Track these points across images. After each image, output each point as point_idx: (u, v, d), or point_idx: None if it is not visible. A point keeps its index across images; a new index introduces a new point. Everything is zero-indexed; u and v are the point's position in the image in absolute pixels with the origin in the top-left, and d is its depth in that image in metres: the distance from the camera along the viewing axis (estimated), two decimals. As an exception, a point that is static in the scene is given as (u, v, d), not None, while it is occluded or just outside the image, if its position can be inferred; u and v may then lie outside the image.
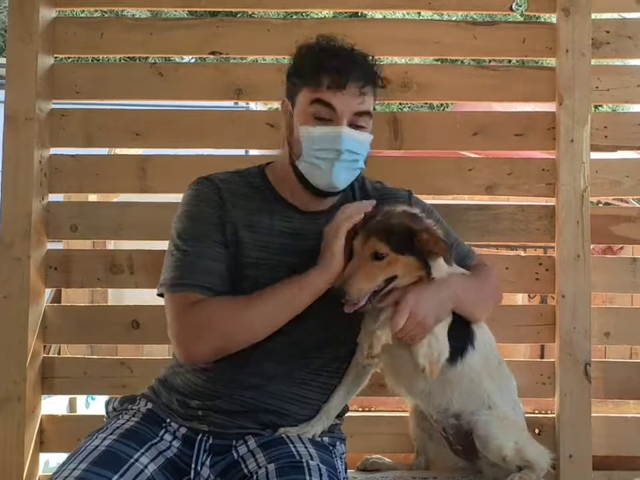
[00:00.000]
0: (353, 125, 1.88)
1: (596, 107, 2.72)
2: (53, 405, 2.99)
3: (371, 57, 1.96)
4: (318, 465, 1.77)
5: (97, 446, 1.75)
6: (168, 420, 1.90)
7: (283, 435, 1.89)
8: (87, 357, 2.73)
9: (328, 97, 1.86)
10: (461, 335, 1.99)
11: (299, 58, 1.95)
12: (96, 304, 3.56)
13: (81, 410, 3.47)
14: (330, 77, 1.85)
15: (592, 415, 2.48)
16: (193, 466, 1.84)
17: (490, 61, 2.81)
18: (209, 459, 1.86)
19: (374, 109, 1.97)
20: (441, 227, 2.02)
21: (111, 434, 1.80)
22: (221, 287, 1.89)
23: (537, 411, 2.71)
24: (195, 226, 1.92)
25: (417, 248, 1.84)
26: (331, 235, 1.87)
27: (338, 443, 2.03)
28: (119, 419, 1.90)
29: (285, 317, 1.87)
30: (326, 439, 1.98)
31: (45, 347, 2.61)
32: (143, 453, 1.79)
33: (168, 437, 1.88)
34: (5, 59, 2.59)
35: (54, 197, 2.60)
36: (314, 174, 1.91)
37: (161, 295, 1.94)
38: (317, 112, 1.87)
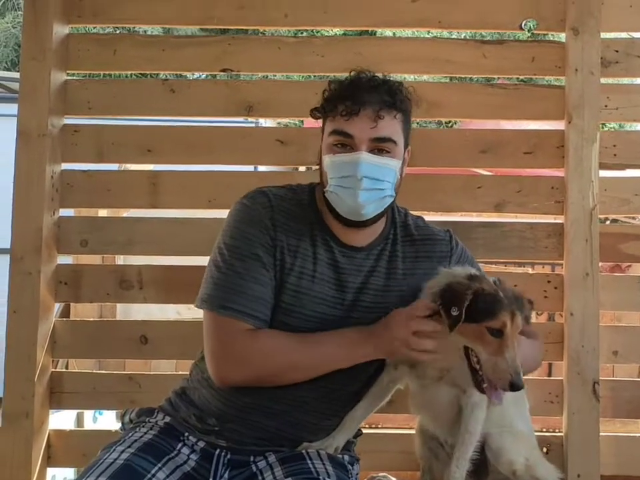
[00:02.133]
0: (375, 151, 1.86)
1: (604, 125, 2.72)
2: (61, 419, 2.98)
3: (394, 81, 1.93)
4: None
5: (115, 459, 1.75)
6: (186, 434, 1.90)
7: (303, 451, 1.89)
8: (95, 371, 2.74)
9: (342, 124, 1.85)
10: None
11: (326, 92, 1.94)
12: (104, 319, 3.56)
13: (89, 424, 3.46)
14: (344, 105, 1.85)
15: (600, 434, 2.47)
16: None
17: (499, 79, 2.82)
18: (227, 472, 1.86)
19: (407, 131, 1.94)
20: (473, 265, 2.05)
21: (129, 447, 1.80)
22: (268, 316, 1.88)
23: (544, 430, 2.69)
24: (246, 244, 1.88)
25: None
26: (400, 323, 1.82)
27: (355, 463, 2.03)
28: (136, 431, 1.90)
29: (327, 370, 1.88)
30: (346, 457, 1.98)
31: (53, 361, 2.61)
32: (160, 468, 1.79)
33: (186, 450, 1.88)
34: (17, 73, 2.60)
35: (64, 212, 2.61)
36: (339, 203, 1.89)
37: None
38: (336, 141, 1.87)
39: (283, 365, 1.86)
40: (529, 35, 2.68)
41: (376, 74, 1.93)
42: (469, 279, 1.83)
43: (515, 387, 1.73)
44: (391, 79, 1.95)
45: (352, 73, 1.93)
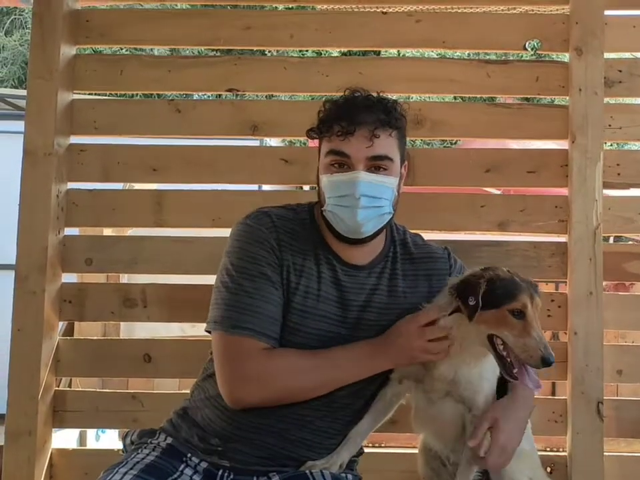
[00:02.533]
0: (372, 169, 1.87)
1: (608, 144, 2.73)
2: (63, 437, 2.98)
3: (388, 100, 1.95)
4: None
5: None
6: (189, 455, 1.89)
7: (307, 471, 1.89)
8: (98, 390, 2.73)
9: (338, 144, 1.86)
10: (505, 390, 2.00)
11: (321, 112, 1.95)
12: (108, 337, 3.56)
13: (91, 443, 3.45)
14: (340, 125, 1.86)
15: (604, 453, 2.45)
16: None
17: (504, 99, 2.84)
18: None
19: (403, 147, 1.95)
20: None
21: (131, 468, 1.79)
22: (279, 334, 1.88)
23: (548, 449, 2.69)
24: (253, 264, 1.88)
25: None
26: (413, 332, 1.86)
27: None
28: (138, 452, 1.89)
29: (342, 384, 1.90)
30: (350, 477, 1.97)
31: (56, 379, 2.61)
32: None
33: (189, 471, 1.87)
34: (24, 90, 2.62)
35: (69, 231, 2.62)
36: (338, 222, 1.90)
37: (208, 331, 1.91)
38: (333, 161, 1.88)
39: (301, 384, 1.86)
40: (533, 55, 2.70)
41: (370, 92, 1.95)
42: (483, 270, 1.85)
43: (546, 361, 1.73)
44: (386, 96, 1.96)
45: (346, 92, 1.95)
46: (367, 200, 1.86)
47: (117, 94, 2.87)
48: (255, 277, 1.86)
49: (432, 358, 1.87)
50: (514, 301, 1.78)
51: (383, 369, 1.92)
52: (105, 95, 2.82)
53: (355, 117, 1.85)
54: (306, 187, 3.13)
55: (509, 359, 1.80)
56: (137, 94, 3.15)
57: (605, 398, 2.47)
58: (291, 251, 1.91)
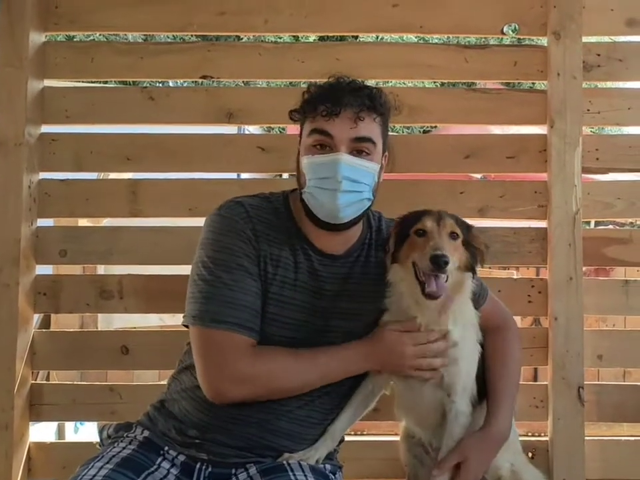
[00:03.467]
0: (354, 152, 1.85)
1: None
2: (42, 430, 2.94)
3: (373, 87, 1.94)
4: None
5: (94, 475, 1.72)
6: (166, 447, 1.88)
7: (284, 462, 1.87)
8: (75, 382, 2.70)
9: (323, 124, 1.85)
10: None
11: (305, 94, 1.93)
12: (85, 329, 3.53)
13: (70, 436, 3.42)
14: (325, 105, 1.84)
15: (585, 438, 2.47)
16: None
17: (484, 84, 2.82)
18: None
19: (385, 136, 1.94)
20: None
21: (108, 462, 1.77)
22: (259, 326, 1.86)
23: (530, 434, 2.70)
24: (230, 256, 1.85)
25: (472, 245, 1.91)
26: (402, 342, 1.89)
27: (337, 472, 2.01)
28: (114, 446, 1.87)
29: (324, 383, 1.90)
30: (328, 467, 1.97)
31: (33, 373, 2.58)
32: None
33: (166, 464, 1.85)
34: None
35: (43, 222, 2.58)
36: (316, 205, 1.88)
37: (186, 325, 1.88)
38: (316, 141, 1.86)
39: (288, 385, 1.86)
40: (512, 39, 2.68)
41: (355, 79, 1.93)
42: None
43: (432, 259, 1.76)
44: (370, 85, 1.96)
45: (331, 78, 1.94)
46: (348, 184, 1.84)
47: (88, 82, 2.81)
48: (233, 269, 1.83)
49: (421, 374, 1.91)
50: (417, 223, 1.88)
51: (364, 370, 1.94)
52: (77, 83, 2.75)
53: (341, 98, 1.84)
54: (285, 175, 3.10)
55: (422, 279, 1.82)
56: (109, 81, 3.11)
57: (585, 383, 2.48)
58: (267, 241, 1.89)
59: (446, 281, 1.83)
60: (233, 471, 1.86)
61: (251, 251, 1.86)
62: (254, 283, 1.85)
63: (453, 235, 1.87)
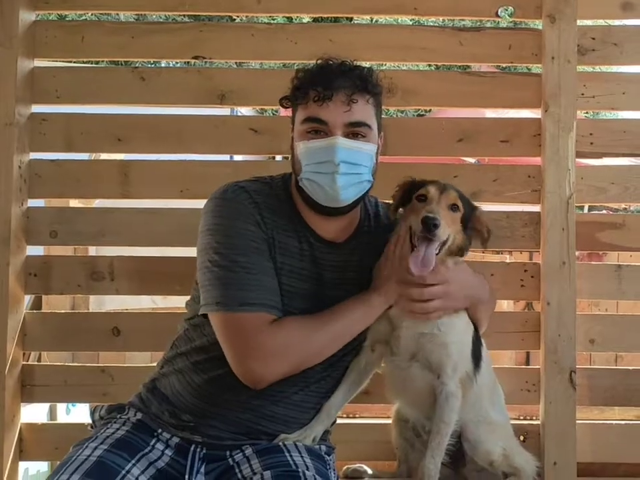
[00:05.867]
0: (350, 136, 1.83)
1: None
2: (33, 411, 2.94)
3: (364, 67, 1.92)
4: (314, 475, 1.76)
5: (88, 456, 1.72)
6: (159, 430, 1.87)
7: (280, 443, 1.88)
8: (67, 364, 2.69)
9: (316, 111, 1.83)
10: (476, 355, 2.03)
11: (295, 80, 1.91)
12: (76, 310, 3.52)
13: (62, 417, 3.41)
14: (316, 90, 1.82)
15: (577, 421, 2.47)
16: (187, 476, 1.81)
17: (473, 67, 2.80)
18: (203, 466, 1.84)
19: (379, 117, 1.93)
20: None
21: (102, 443, 1.78)
22: (281, 305, 1.85)
23: (521, 417, 2.70)
24: (244, 240, 1.82)
25: (474, 227, 1.94)
26: (393, 265, 1.89)
27: (332, 453, 2.02)
28: (108, 427, 1.87)
29: (348, 339, 1.90)
30: (323, 448, 1.97)
31: (24, 354, 2.57)
32: (134, 464, 1.76)
33: (160, 445, 1.85)
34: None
35: (34, 203, 2.57)
36: (315, 190, 1.86)
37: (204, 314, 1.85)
38: (310, 127, 1.84)
39: (315, 343, 1.85)
40: (507, 22, 2.66)
41: (344, 60, 1.91)
42: None
43: (424, 220, 1.79)
44: (360, 65, 1.93)
45: (319, 61, 1.91)
46: (346, 166, 1.83)
47: (79, 62, 2.78)
48: (249, 252, 1.82)
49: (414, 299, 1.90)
50: (419, 189, 1.91)
51: (382, 308, 1.91)
52: (68, 63, 2.72)
53: (332, 81, 1.82)
54: (278, 157, 3.09)
55: (415, 244, 1.84)
56: (100, 61, 3.08)
57: (577, 367, 2.48)
58: (275, 227, 1.88)
59: (437, 253, 1.83)
60: (228, 452, 1.86)
61: (262, 235, 1.84)
62: (270, 264, 1.84)
63: (453, 207, 1.88)
